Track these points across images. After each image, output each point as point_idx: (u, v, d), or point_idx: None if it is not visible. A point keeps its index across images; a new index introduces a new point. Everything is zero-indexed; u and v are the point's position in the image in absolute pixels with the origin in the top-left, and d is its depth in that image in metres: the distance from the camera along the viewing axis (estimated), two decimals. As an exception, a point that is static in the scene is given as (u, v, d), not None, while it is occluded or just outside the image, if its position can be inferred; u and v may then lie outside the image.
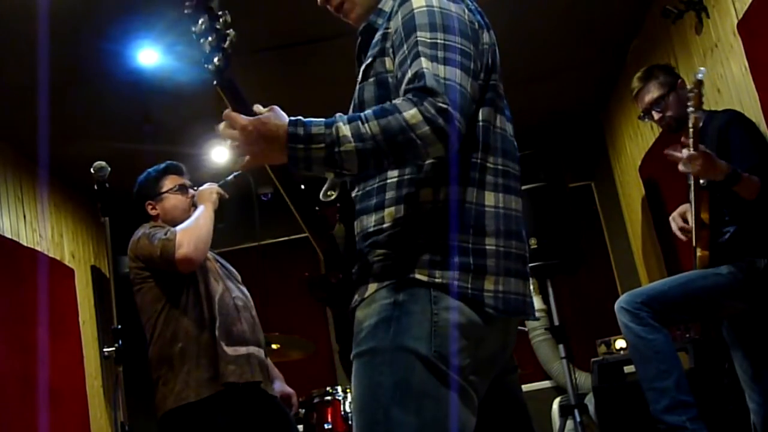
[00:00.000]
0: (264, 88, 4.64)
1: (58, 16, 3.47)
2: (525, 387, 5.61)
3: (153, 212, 2.98)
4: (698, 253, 2.92)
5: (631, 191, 5.78)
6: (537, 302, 5.83)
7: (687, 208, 3.10)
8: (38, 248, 4.63)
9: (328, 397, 3.63)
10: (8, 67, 3.85)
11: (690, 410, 2.76)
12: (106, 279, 5.46)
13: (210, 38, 1.43)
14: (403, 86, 1.41)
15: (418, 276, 1.42)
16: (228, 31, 1.43)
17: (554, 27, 4.57)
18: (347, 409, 3.60)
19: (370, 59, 1.55)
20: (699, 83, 2.71)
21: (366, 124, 1.35)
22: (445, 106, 1.34)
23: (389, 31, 1.51)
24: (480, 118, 1.51)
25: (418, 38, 1.42)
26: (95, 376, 5.11)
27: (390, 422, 1.37)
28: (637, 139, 5.32)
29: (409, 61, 1.41)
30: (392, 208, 1.48)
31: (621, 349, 4.36)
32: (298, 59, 4.40)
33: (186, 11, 1.44)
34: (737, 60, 3.52)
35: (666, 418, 2.76)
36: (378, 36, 1.55)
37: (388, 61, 1.51)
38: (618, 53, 5.06)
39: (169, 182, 2.98)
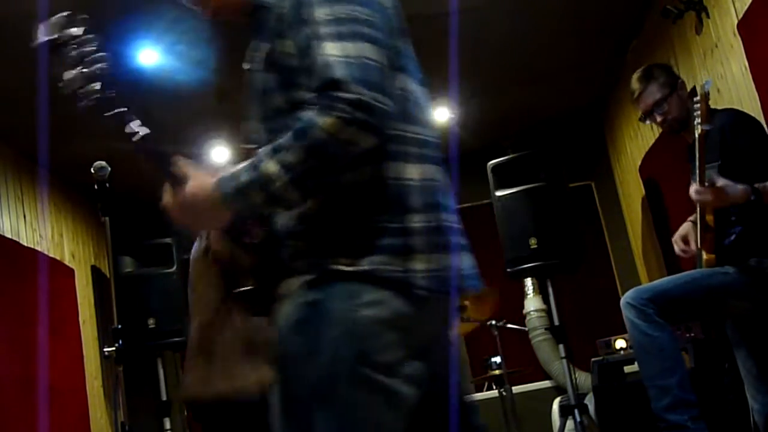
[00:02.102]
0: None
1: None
2: (525, 387, 5.63)
3: None
4: (704, 256, 2.91)
5: (631, 191, 5.78)
6: (537, 302, 5.85)
7: (688, 229, 3.09)
8: (38, 248, 4.63)
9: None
10: (8, 67, 3.85)
11: (692, 409, 2.75)
12: (106, 279, 5.46)
13: (82, 89, 1.44)
14: (312, 82, 1.31)
15: (337, 266, 1.32)
16: (96, 67, 1.44)
17: (554, 27, 4.57)
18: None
19: (268, 46, 1.43)
20: (706, 96, 2.68)
21: (289, 152, 1.28)
22: (354, 95, 1.25)
23: (284, 11, 1.40)
24: (396, 87, 1.40)
25: (317, 18, 1.32)
26: (95, 376, 5.11)
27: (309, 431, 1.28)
28: (637, 139, 5.32)
29: (312, 50, 1.31)
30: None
31: (621, 349, 4.36)
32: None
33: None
34: (737, 60, 3.52)
35: (668, 417, 2.75)
36: (273, 18, 1.43)
37: (286, 43, 1.39)
38: (618, 53, 5.07)
39: None
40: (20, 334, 4.19)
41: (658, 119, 3.14)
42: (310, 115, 1.28)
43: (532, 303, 5.90)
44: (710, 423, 2.81)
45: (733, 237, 2.90)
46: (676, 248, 3.13)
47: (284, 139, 1.30)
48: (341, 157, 1.30)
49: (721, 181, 2.71)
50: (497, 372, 4.40)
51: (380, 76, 1.31)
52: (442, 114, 5.55)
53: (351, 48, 1.29)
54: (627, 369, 4.33)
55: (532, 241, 4.04)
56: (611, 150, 6.21)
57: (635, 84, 3.18)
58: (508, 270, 4.17)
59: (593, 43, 4.87)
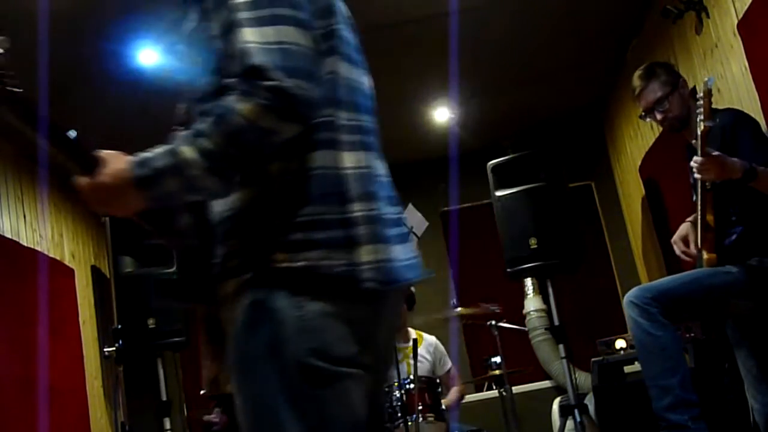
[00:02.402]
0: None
1: (58, 16, 3.48)
2: (525, 387, 5.63)
3: None
4: (705, 256, 2.90)
5: (631, 191, 5.78)
6: (537, 302, 5.85)
7: (688, 230, 3.09)
8: (38, 248, 4.63)
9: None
10: (8, 66, 3.85)
11: (693, 409, 2.74)
12: (106, 279, 5.46)
13: None
14: (233, 68, 1.25)
15: (277, 264, 1.27)
16: None
17: (554, 27, 4.57)
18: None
19: (194, 24, 1.39)
20: (709, 93, 2.68)
21: (208, 139, 1.23)
22: (275, 82, 1.20)
23: None
24: (326, 70, 1.34)
25: (237, 1, 1.27)
26: (95, 376, 5.12)
27: None
28: (637, 139, 5.32)
29: (231, 35, 1.26)
30: (242, 189, 1.32)
31: (621, 349, 4.36)
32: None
33: None
34: (737, 60, 3.53)
35: (668, 416, 2.75)
36: None
37: (211, 26, 1.33)
38: (618, 53, 5.07)
39: None
40: (20, 334, 4.19)
41: (659, 117, 3.13)
42: (230, 100, 1.23)
43: (532, 303, 5.91)
44: (710, 423, 2.81)
45: (734, 237, 2.90)
46: (677, 250, 3.12)
47: (204, 124, 1.25)
48: (263, 146, 1.25)
49: (716, 153, 2.70)
50: (497, 372, 4.40)
51: (303, 61, 1.25)
52: (442, 114, 5.55)
53: (271, 33, 1.24)
54: (627, 369, 4.33)
55: (532, 241, 4.04)
56: (611, 150, 6.21)
57: (637, 81, 3.16)
58: (508, 270, 4.17)
59: (593, 43, 4.87)
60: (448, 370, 4.59)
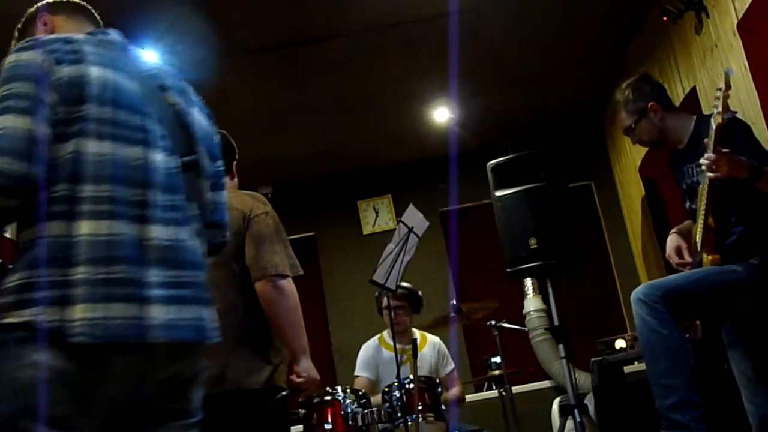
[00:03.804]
0: (263, 88, 4.65)
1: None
2: (525, 387, 5.63)
3: None
4: (707, 257, 2.88)
5: (631, 191, 5.79)
6: (537, 302, 5.85)
7: (678, 241, 3.08)
8: (38, 248, 4.64)
9: (328, 397, 3.63)
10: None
11: (695, 410, 2.72)
12: (106, 279, 5.45)
13: None
14: None
15: (5, 321, 1.45)
16: None
17: (554, 27, 4.58)
18: (347, 409, 3.60)
19: None
20: (728, 85, 2.63)
21: None
22: None
23: None
24: (67, 150, 1.53)
25: None
26: (95, 376, 5.12)
27: None
28: (637, 139, 5.32)
29: None
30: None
31: (621, 349, 4.36)
32: (297, 59, 4.40)
33: None
34: (737, 60, 3.53)
35: (671, 416, 2.73)
36: None
37: None
38: (618, 53, 5.07)
39: None
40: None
41: (633, 142, 3.20)
42: None
43: (532, 303, 5.91)
44: (709, 424, 2.80)
45: (734, 237, 2.89)
46: (673, 263, 3.10)
47: None
48: None
49: (726, 150, 2.67)
50: (497, 372, 4.40)
51: (15, 142, 1.47)
52: (442, 114, 5.56)
53: None
54: (627, 369, 4.33)
55: (532, 241, 4.03)
56: (611, 150, 6.21)
57: (614, 104, 3.21)
58: (508, 270, 4.17)
59: (593, 43, 4.87)
60: (450, 372, 4.59)
